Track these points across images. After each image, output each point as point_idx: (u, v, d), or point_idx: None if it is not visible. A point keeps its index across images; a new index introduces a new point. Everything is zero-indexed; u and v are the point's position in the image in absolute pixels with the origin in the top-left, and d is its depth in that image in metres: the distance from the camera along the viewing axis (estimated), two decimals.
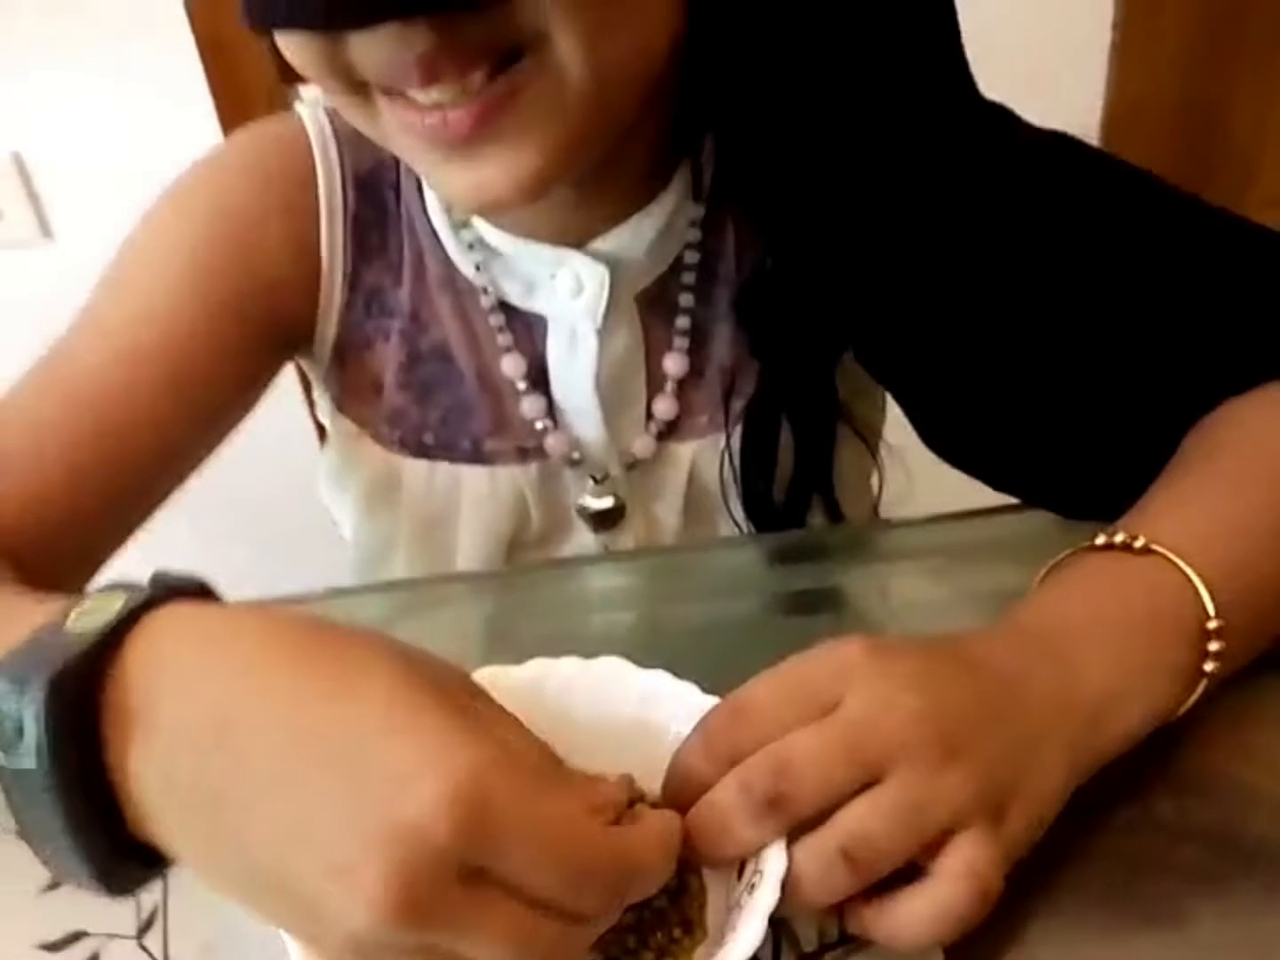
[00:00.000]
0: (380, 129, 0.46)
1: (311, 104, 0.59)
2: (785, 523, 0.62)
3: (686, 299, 0.59)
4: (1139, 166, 0.53)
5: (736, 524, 0.62)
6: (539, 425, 0.61)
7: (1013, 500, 0.56)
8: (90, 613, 0.32)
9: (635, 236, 0.56)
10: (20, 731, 0.29)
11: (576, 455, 0.61)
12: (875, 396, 0.68)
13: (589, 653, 0.40)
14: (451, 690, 0.31)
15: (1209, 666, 0.41)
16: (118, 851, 0.31)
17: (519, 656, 0.40)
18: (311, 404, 0.84)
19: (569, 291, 0.57)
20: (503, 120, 0.42)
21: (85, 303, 0.56)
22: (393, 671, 0.30)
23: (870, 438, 0.68)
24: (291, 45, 0.43)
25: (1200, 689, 0.41)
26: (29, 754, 0.29)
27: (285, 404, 0.74)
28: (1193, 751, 0.43)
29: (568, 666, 0.40)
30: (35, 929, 0.40)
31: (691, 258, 0.58)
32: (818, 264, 0.53)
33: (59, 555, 0.51)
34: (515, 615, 0.57)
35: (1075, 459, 0.53)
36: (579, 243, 0.56)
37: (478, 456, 0.61)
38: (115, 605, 0.32)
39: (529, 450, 0.61)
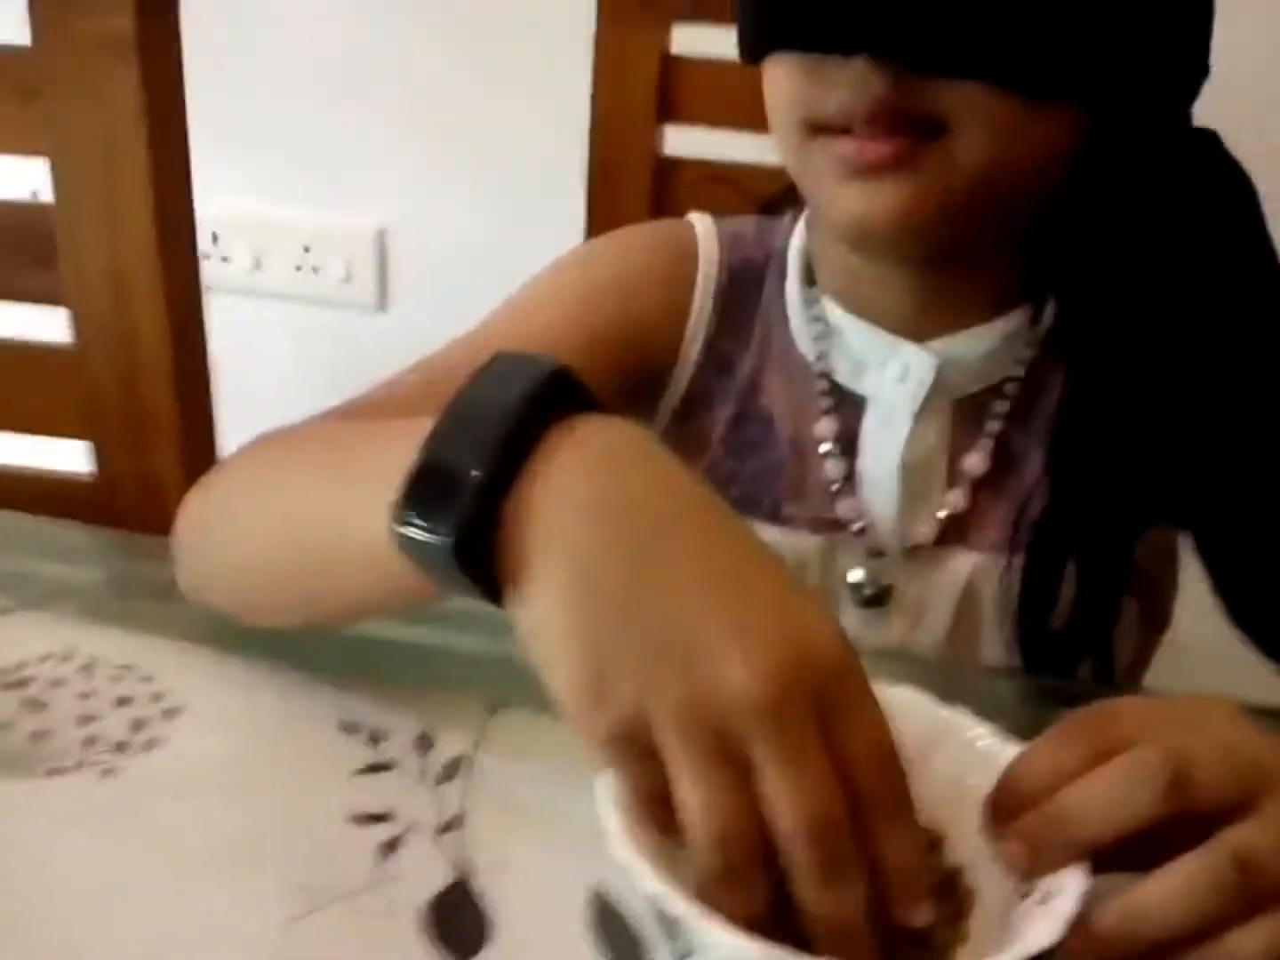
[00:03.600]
0: (806, 161, 0.56)
1: (697, 215, 0.70)
2: (1055, 662, 0.61)
3: (999, 419, 0.63)
4: None
5: (1006, 649, 0.62)
6: (836, 488, 0.64)
7: None
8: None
9: (967, 346, 0.61)
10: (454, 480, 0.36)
11: (863, 525, 0.64)
12: (1171, 572, 0.67)
13: None
14: None
15: None
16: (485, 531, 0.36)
17: None
18: None
19: (895, 377, 0.62)
20: (905, 168, 0.52)
21: (487, 317, 0.64)
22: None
23: (1155, 621, 0.67)
24: (780, 75, 0.55)
25: None
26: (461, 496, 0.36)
27: None
28: None
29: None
30: (347, 804, 0.43)
31: (1013, 387, 0.62)
32: (1134, 433, 0.56)
33: None
34: None
35: None
36: (914, 338, 0.61)
37: (774, 518, 0.65)
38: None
39: (821, 522, 0.64)
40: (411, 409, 0.57)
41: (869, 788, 0.33)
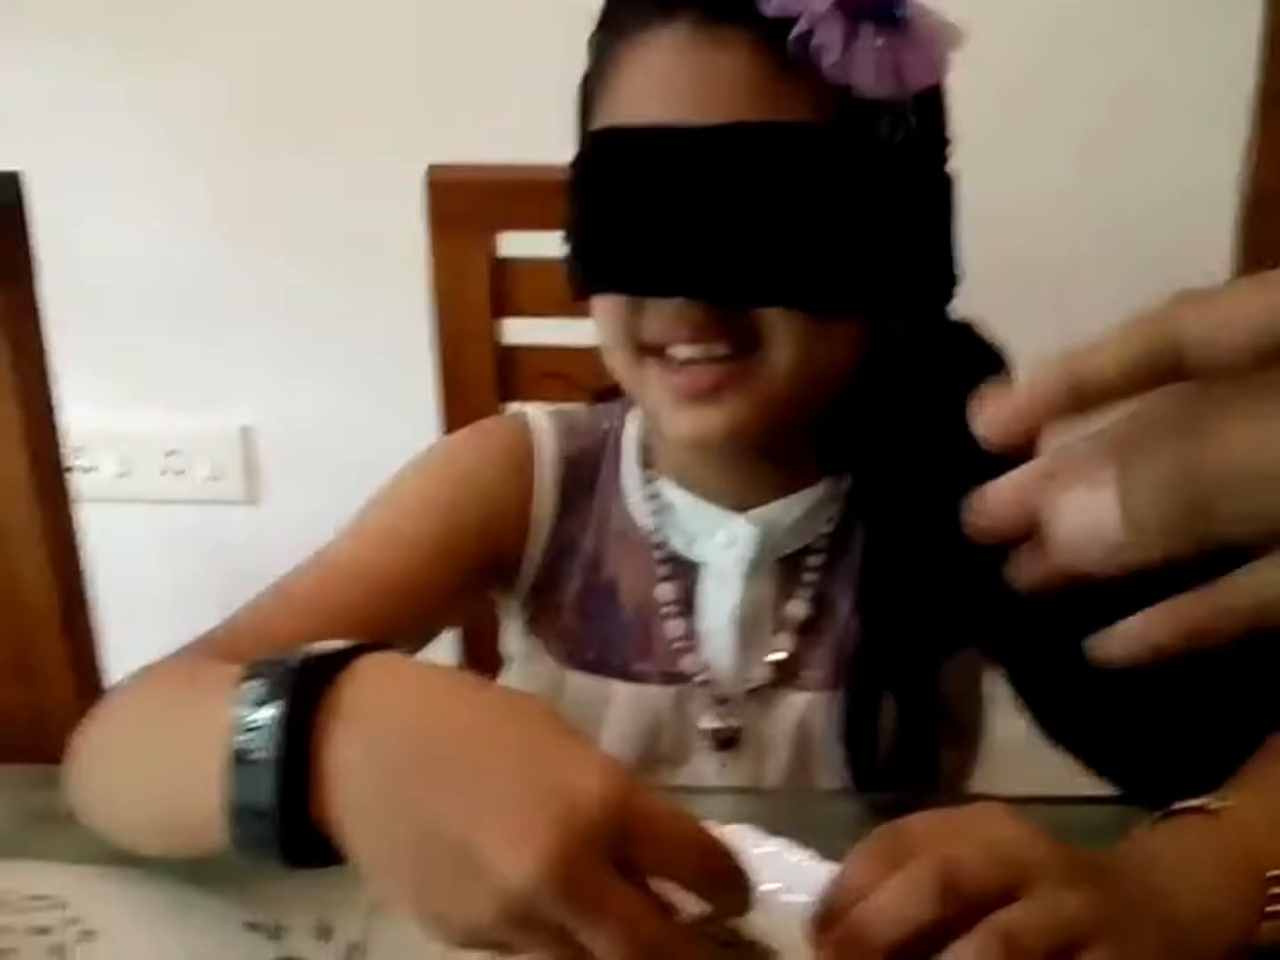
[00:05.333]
0: (642, 383, 0.66)
1: (533, 412, 0.79)
2: (884, 782, 0.69)
3: (815, 571, 0.73)
4: None
5: (841, 774, 0.70)
6: (679, 645, 0.73)
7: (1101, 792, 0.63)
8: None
9: (784, 513, 0.72)
10: (257, 725, 0.42)
11: (706, 676, 0.73)
12: (977, 691, 0.78)
13: None
14: None
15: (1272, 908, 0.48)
16: (301, 829, 0.41)
17: None
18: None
19: (723, 545, 0.72)
20: (728, 389, 0.63)
21: (349, 525, 0.72)
22: (545, 709, 0.43)
23: (970, 734, 0.78)
24: (607, 307, 0.65)
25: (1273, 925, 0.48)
26: (262, 739, 0.41)
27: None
28: None
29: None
30: None
31: (824, 543, 0.73)
32: (923, 577, 0.67)
33: None
34: None
35: (1178, 750, 0.59)
36: (739, 510, 0.71)
37: (626, 675, 0.74)
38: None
39: (669, 675, 0.73)
40: (286, 629, 0.63)
41: (705, 873, 0.40)
